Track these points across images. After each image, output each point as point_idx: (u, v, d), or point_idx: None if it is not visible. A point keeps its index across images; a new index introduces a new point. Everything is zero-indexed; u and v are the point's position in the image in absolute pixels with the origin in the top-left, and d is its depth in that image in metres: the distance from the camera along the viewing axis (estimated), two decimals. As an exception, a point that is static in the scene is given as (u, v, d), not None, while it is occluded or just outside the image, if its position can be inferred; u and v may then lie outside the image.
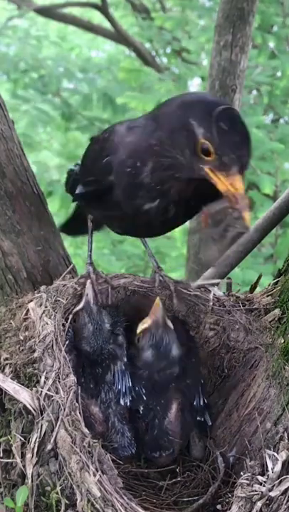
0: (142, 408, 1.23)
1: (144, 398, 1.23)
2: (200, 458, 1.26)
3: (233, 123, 1.04)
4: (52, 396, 1.06)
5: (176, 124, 1.07)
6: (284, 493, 1.02)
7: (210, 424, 1.25)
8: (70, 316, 1.23)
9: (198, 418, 1.25)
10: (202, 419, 1.25)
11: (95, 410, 1.21)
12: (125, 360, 1.24)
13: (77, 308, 1.24)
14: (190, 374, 1.27)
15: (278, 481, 1.03)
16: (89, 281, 1.26)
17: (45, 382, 1.08)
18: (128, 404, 1.22)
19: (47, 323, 1.16)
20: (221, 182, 1.04)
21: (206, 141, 1.03)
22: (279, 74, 4.09)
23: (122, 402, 1.21)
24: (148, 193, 1.14)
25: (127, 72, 4.30)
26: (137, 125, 1.17)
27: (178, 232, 3.98)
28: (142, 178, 1.13)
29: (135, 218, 1.18)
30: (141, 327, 1.24)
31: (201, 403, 1.25)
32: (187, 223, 1.46)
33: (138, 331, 1.25)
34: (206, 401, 1.26)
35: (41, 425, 1.04)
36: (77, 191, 1.28)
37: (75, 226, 1.58)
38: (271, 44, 4.13)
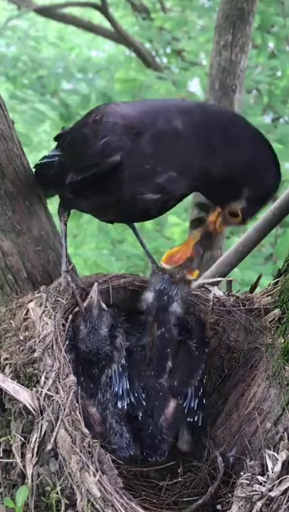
0: (140, 414, 1.23)
1: (144, 404, 1.23)
2: (187, 451, 1.25)
3: (269, 198, 1.13)
4: (52, 396, 1.06)
5: (228, 174, 1.10)
6: (284, 493, 1.02)
7: (200, 425, 1.25)
8: (70, 316, 1.23)
9: (188, 419, 1.25)
10: (192, 419, 1.24)
11: (93, 411, 1.21)
12: (123, 362, 1.24)
13: (77, 308, 1.24)
14: (178, 375, 1.26)
15: (278, 481, 1.03)
16: (96, 284, 1.25)
17: (45, 382, 1.08)
18: (125, 407, 1.22)
19: (47, 323, 1.16)
20: (216, 223, 1.15)
21: (241, 212, 1.12)
22: (279, 74, 4.09)
23: (119, 405, 1.21)
24: (155, 187, 1.15)
25: (123, 83, 4.31)
26: (170, 124, 1.13)
27: (177, 233, 3.99)
28: (156, 179, 1.14)
29: (132, 205, 1.19)
30: (168, 255, 1.23)
31: (192, 405, 1.24)
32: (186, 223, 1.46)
33: (164, 258, 1.24)
34: (204, 402, 1.25)
35: (41, 425, 1.04)
36: (68, 180, 1.23)
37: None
38: (271, 44, 4.13)
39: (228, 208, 1.14)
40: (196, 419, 1.24)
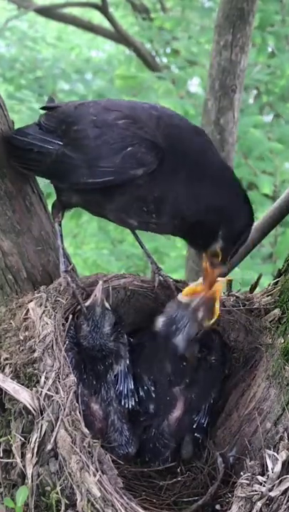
0: (152, 407, 1.23)
1: (154, 396, 1.24)
2: (188, 459, 1.26)
3: (246, 238, 1.18)
4: (52, 396, 1.06)
5: (205, 216, 1.14)
6: (284, 493, 1.02)
7: (201, 441, 1.26)
8: (71, 316, 1.23)
9: (195, 434, 1.26)
10: (199, 435, 1.26)
11: (95, 407, 1.21)
12: (127, 362, 1.24)
13: (80, 307, 1.24)
14: (197, 388, 1.27)
15: (278, 481, 1.03)
16: (101, 282, 1.26)
17: (45, 382, 1.08)
18: (131, 406, 1.22)
19: (47, 323, 1.16)
20: (207, 270, 1.21)
21: (221, 252, 1.17)
22: (279, 73, 4.09)
23: (123, 403, 1.21)
24: (142, 220, 1.20)
25: (123, 79, 4.31)
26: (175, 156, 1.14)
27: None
28: (150, 216, 1.18)
29: (115, 216, 1.23)
30: (190, 290, 1.26)
31: (203, 421, 1.26)
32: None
33: (184, 292, 1.26)
34: (208, 421, 1.26)
35: (41, 425, 1.04)
36: (76, 179, 1.19)
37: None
38: (271, 43, 4.13)
39: (209, 250, 1.18)
40: (201, 437, 1.26)
